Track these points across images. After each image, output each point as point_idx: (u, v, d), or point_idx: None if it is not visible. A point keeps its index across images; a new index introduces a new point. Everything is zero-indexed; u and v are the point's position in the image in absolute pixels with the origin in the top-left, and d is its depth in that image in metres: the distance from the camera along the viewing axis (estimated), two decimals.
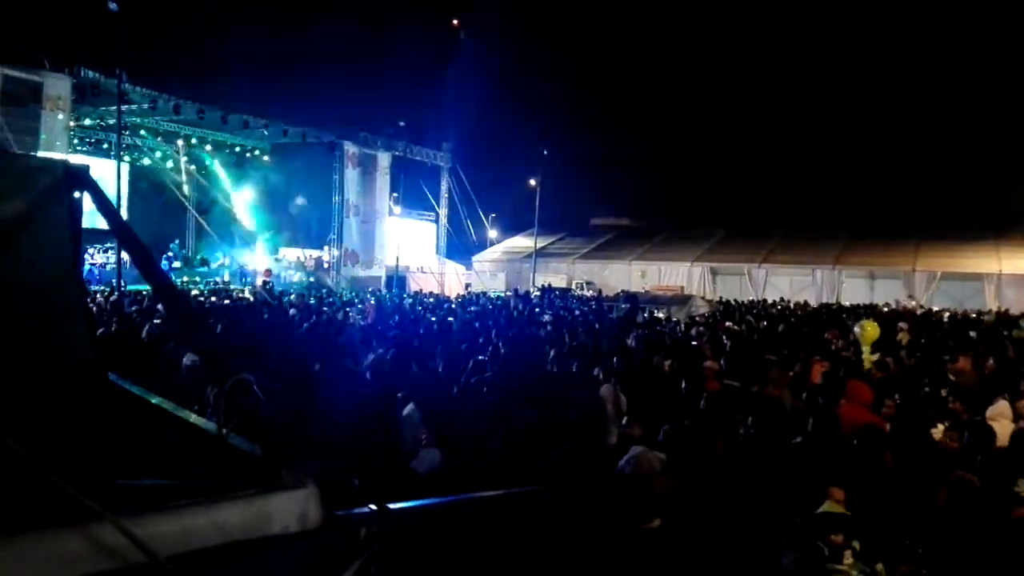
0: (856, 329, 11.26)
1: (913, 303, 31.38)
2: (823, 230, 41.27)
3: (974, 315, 25.48)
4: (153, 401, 1.99)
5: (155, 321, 9.99)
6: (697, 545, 3.53)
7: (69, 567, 1.05)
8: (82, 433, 1.59)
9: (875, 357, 10.33)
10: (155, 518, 1.14)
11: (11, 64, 20.81)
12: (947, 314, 26.37)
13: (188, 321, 2.12)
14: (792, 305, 28.29)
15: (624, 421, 6.41)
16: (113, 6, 18.64)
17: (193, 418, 1.81)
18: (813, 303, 31.19)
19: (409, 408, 6.36)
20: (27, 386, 1.61)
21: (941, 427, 6.63)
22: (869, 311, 24.32)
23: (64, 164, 1.91)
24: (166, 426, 1.80)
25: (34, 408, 1.50)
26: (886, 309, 27.15)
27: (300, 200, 33.11)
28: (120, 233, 1.92)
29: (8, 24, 21.06)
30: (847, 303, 30.82)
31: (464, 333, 12.58)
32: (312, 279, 30.54)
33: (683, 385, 8.02)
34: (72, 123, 23.65)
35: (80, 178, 1.86)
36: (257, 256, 31.41)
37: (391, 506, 1.39)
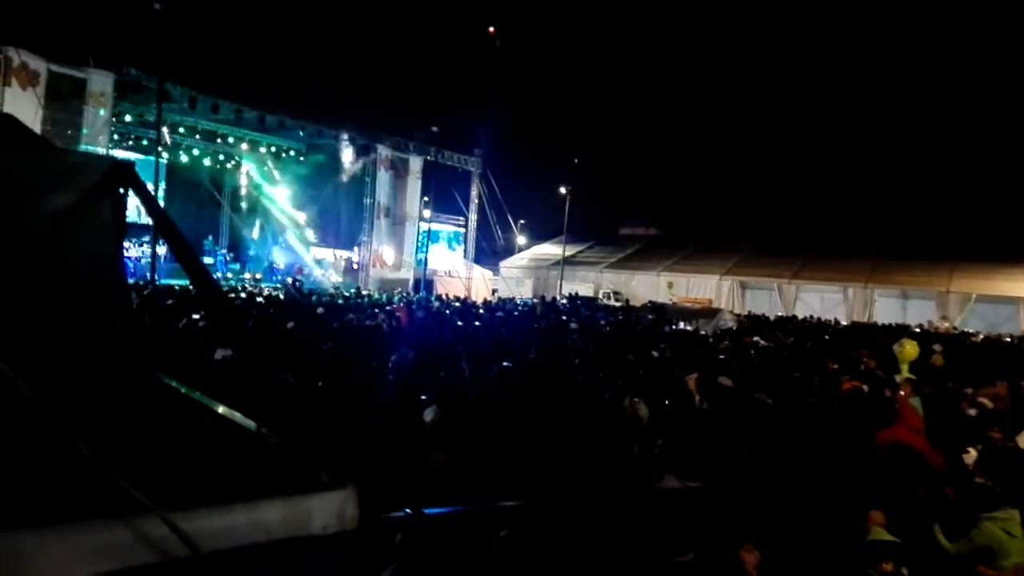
0: (895, 347, 11.11)
1: (946, 324, 30.82)
2: (855, 248, 40.60)
3: (1008, 339, 24.99)
4: (193, 396, 2.02)
5: (194, 316, 10.15)
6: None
7: (117, 557, 1.07)
8: (125, 425, 1.62)
9: (910, 376, 10.17)
10: (200, 513, 1.16)
11: (57, 61, 21.28)
12: (981, 336, 25.88)
13: (225, 317, 2.14)
14: (832, 322, 27.97)
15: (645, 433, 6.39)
16: (157, 5, 18.96)
17: (231, 414, 1.83)
18: (844, 321, 30.77)
19: (431, 411, 6.38)
20: (73, 379, 1.65)
21: (973, 451, 6.53)
22: (901, 331, 23.94)
23: (111, 160, 1.95)
24: (205, 421, 1.83)
25: (80, 401, 1.54)
26: (918, 329, 26.71)
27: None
28: (164, 229, 1.95)
29: (55, 22, 21.53)
30: (879, 322, 30.35)
31: (491, 339, 12.58)
32: (342, 279, 30.77)
33: (700, 400, 8.00)
34: (113, 119, 24.10)
35: (126, 174, 1.90)
36: (288, 254, 31.75)
37: (426, 511, 1.40)
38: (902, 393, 8.53)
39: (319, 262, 31.84)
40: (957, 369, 13.18)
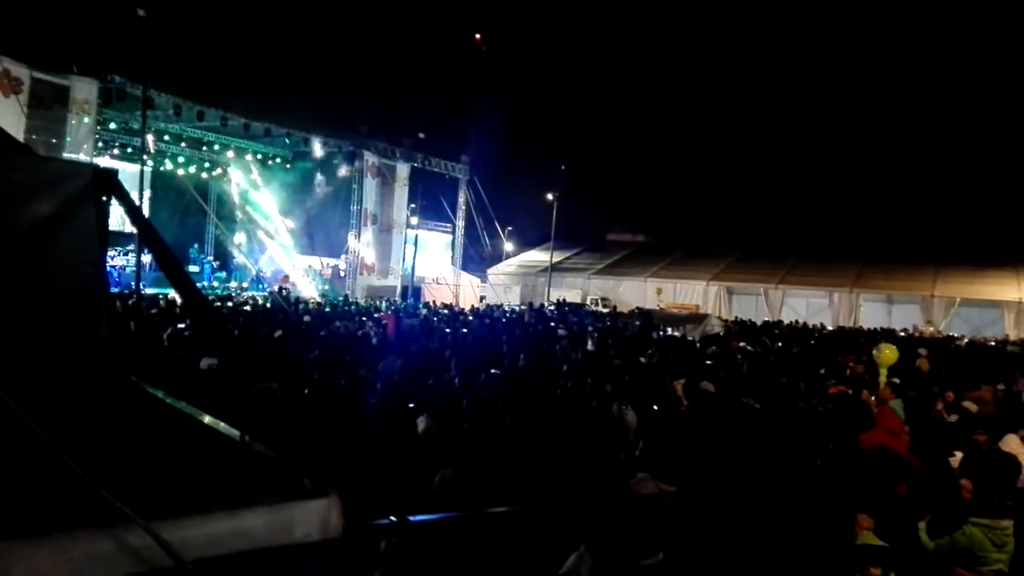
0: (874, 352, 11.10)
1: (931, 328, 31.08)
2: (840, 253, 40.90)
3: (992, 342, 25.23)
4: (176, 404, 2.00)
5: (179, 326, 10.09)
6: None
7: (99, 568, 1.07)
8: (107, 434, 1.61)
9: (892, 380, 10.21)
10: (182, 523, 1.15)
11: (40, 68, 21.12)
12: (966, 340, 26.12)
13: (211, 326, 2.13)
14: (818, 326, 28.16)
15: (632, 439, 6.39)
16: (141, 12, 18.88)
17: (215, 423, 1.82)
18: (830, 326, 30.98)
19: (423, 420, 6.36)
20: (54, 386, 1.63)
21: (958, 454, 6.58)
22: (886, 335, 24.13)
23: (93, 167, 1.93)
24: (189, 430, 1.82)
25: (61, 408, 1.52)
26: (903, 333, 26.93)
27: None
28: (147, 237, 1.94)
29: (38, 29, 21.39)
30: (865, 326, 30.57)
31: (479, 346, 12.58)
32: (328, 287, 30.65)
33: (685, 405, 8.03)
34: (97, 127, 23.94)
35: (109, 182, 1.89)
36: (274, 262, 31.60)
37: (411, 518, 1.40)
38: (875, 396, 8.56)
39: (306, 270, 31.72)
40: (942, 373, 13.29)
